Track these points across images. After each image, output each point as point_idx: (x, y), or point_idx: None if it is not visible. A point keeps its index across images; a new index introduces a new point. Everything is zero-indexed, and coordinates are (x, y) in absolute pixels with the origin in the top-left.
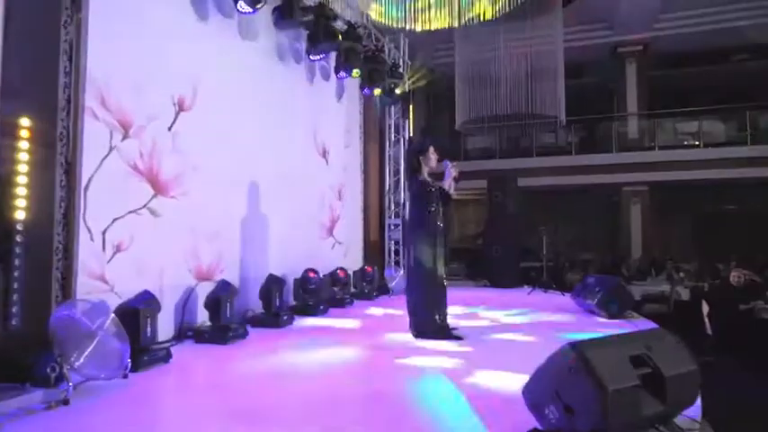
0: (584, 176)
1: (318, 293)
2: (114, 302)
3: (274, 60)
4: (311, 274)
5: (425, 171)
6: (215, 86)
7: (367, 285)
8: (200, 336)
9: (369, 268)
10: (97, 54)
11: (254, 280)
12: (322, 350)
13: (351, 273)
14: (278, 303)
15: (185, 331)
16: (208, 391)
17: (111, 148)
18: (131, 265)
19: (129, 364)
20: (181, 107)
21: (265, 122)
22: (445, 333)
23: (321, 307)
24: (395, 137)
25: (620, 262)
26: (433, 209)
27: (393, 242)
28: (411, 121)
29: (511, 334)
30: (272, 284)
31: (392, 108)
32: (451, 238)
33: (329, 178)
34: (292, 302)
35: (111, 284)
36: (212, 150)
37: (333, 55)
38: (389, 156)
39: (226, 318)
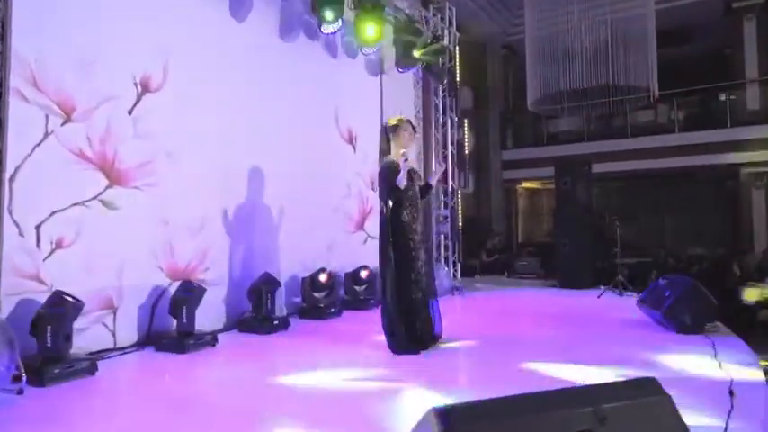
0: (691, 158)
1: (330, 294)
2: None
3: (276, 36)
4: (321, 274)
5: (397, 152)
6: (195, 65)
7: None
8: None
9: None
10: (27, 28)
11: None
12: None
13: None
14: (269, 306)
15: (155, 337)
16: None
17: (46, 134)
18: (78, 263)
19: (22, 377)
20: (146, 88)
21: (267, 106)
22: (422, 344)
23: (332, 310)
24: (441, 119)
25: (732, 258)
26: (405, 218)
27: (443, 236)
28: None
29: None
30: (263, 285)
31: (439, 86)
32: (525, 231)
33: (357, 166)
34: (301, 304)
35: (50, 284)
36: (194, 136)
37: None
38: (436, 140)
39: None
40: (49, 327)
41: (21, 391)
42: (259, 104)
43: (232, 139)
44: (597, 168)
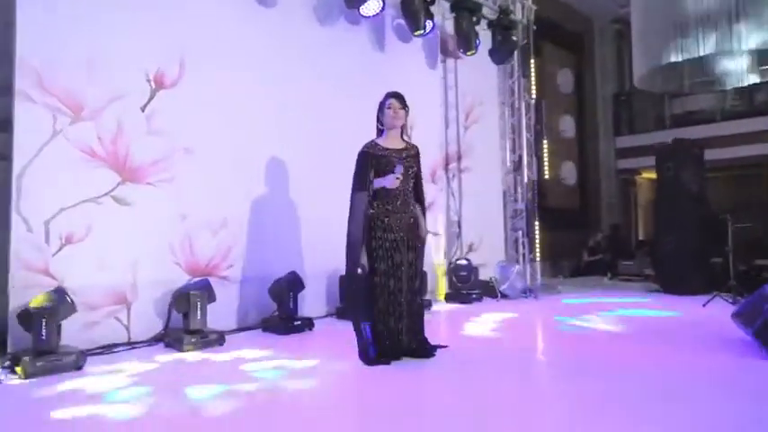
0: None
1: None
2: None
3: (311, 23)
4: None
5: (388, 133)
6: (215, 57)
7: (462, 285)
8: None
9: (463, 262)
10: (33, 30)
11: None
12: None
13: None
14: (291, 305)
15: (171, 332)
16: None
17: (54, 133)
18: (89, 259)
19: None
20: (160, 84)
21: (300, 98)
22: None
23: None
24: (517, 103)
25: None
26: (373, 210)
27: (520, 232)
28: (534, 79)
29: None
30: (285, 284)
31: (512, 67)
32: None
33: None
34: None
35: (60, 278)
36: (215, 131)
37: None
38: (511, 126)
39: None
40: (42, 321)
41: None
42: (292, 97)
43: (263, 133)
44: (724, 153)
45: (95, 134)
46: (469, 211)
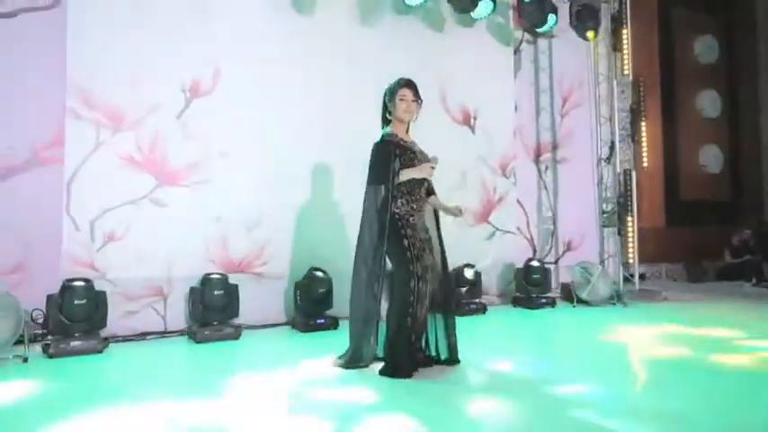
0: None
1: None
2: (107, 288)
3: (354, 17)
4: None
5: (397, 125)
6: (246, 65)
7: (532, 288)
8: None
9: (535, 263)
10: (79, 56)
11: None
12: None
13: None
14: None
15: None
16: None
17: (98, 144)
18: (129, 254)
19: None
20: (194, 93)
21: (347, 96)
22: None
23: None
24: (607, 86)
25: None
26: (399, 209)
27: (610, 231)
28: (627, 57)
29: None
30: (309, 281)
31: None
32: None
33: (478, 149)
34: None
35: (103, 272)
36: (248, 134)
37: None
38: (598, 113)
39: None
40: (60, 307)
41: (26, 360)
42: (337, 96)
43: (295, 135)
44: None
45: (135, 142)
46: (568, 207)
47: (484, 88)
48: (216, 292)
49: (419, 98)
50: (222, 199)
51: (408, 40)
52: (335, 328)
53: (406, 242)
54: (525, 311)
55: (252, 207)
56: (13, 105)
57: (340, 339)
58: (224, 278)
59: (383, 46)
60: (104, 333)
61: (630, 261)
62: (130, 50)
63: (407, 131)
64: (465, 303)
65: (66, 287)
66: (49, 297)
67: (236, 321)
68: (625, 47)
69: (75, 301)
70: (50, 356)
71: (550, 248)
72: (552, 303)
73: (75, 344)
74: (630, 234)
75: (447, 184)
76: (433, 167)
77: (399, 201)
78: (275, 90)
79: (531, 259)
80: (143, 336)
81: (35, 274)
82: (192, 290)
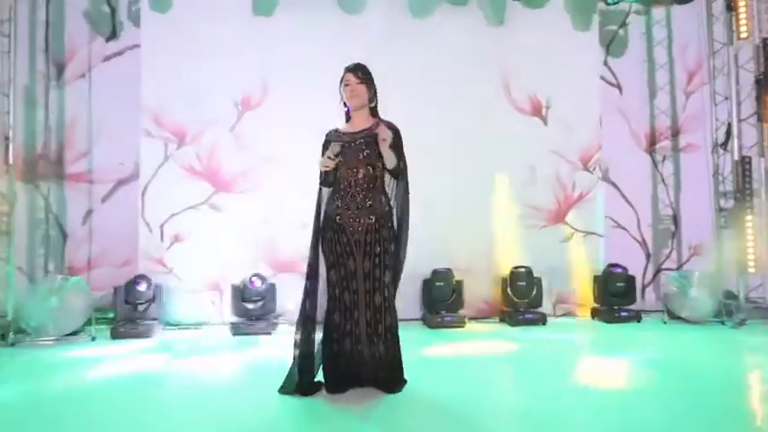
0: None
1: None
2: (174, 282)
3: (404, 11)
4: (442, 274)
5: (353, 117)
6: (292, 76)
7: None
8: None
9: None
10: (151, 85)
11: None
12: None
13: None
14: None
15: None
16: None
17: (166, 158)
18: (191, 253)
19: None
20: (246, 107)
21: (398, 93)
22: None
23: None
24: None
25: None
26: (330, 208)
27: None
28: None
29: None
30: None
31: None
32: None
33: (552, 142)
34: None
35: (170, 267)
36: (295, 142)
37: None
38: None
39: None
40: (125, 297)
41: (94, 338)
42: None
43: None
44: None
45: (195, 155)
46: (689, 203)
47: (558, 73)
48: (254, 290)
49: (366, 80)
50: (270, 203)
51: (463, 31)
52: None
53: (323, 247)
54: (601, 325)
55: (298, 210)
56: (110, 130)
57: None
58: (263, 278)
59: (437, 39)
60: (162, 321)
61: (751, 270)
62: (191, 76)
63: (372, 115)
64: (521, 313)
65: (129, 281)
66: (116, 289)
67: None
68: (742, 3)
69: (137, 292)
70: (113, 338)
71: (670, 252)
72: (637, 317)
73: (134, 329)
74: (751, 236)
75: (513, 181)
76: (329, 158)
77: (331, 198)
78: (320, 97)
79: (612, 265)
80: (199, 325)
81: (120, 267)
82: (234, 288)
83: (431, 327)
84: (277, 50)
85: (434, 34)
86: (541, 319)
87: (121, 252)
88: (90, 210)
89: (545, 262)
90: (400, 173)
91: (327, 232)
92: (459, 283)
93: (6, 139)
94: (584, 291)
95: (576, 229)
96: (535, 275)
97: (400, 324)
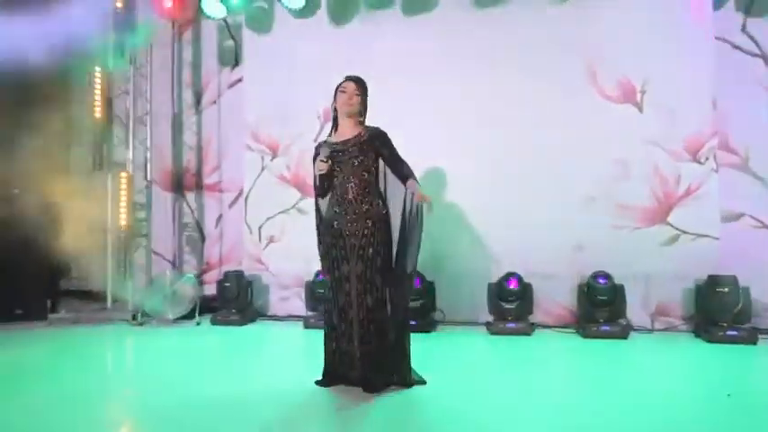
0: None
1: (521, 304)
2: (269, 279)
3: (467, 7)
4: (511, 280)
5: (340, 126)
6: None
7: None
8: None
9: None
10: (251, 108)
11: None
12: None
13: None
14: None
15: None
16: None
17: (262, 168)
18: (282, 252)
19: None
20: (327, 118)
21: (465, 89)
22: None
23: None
24: None
25: None
26: (328, 213)
27: None
28: None
29: None
30: None
31: None
32: None
33: (650, 130)
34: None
35: (266, 265)
36: None
37: None
38: None
39: None
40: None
41: (198, 323)
42: (459, 93)
43: (419, 144)
44: None
45: (285, 164)
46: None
47: (657, 52)
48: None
49: (363, 94)
50: None
51: (535, 16)
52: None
53: (322, 250)
54: (702, 345)
55: None
56: (232, 146)
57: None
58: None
59: (506, 30)
60: (254, 312)
61: None
62: (282, 96)
63: (360, 124)
64: (597, 324)
65: (223, 278)
66: (218, 282)
67: None
68: None
69: (228, 287)
70: (214, 324)
71: None
72: (751, 338)
73: (233, 317)
74: None
75: (599, 175)
76: (323, 161)
77: (330, 205)
78: (392, 101)
79: (712, 277)
80: (289, 317)
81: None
82: (306, 283)
83: (493, 333)
84: (352, 60)
85: (504, 25)
86: (621, 333)
87: (241, 251)
88: (221, 215)
89: (640, 268)
90: (410, 174)
91: (326, 237)
92: (529, 287)
93: (146, 159)
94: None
95: (682, 231)
96: (618, 282)
97: (463, 328)
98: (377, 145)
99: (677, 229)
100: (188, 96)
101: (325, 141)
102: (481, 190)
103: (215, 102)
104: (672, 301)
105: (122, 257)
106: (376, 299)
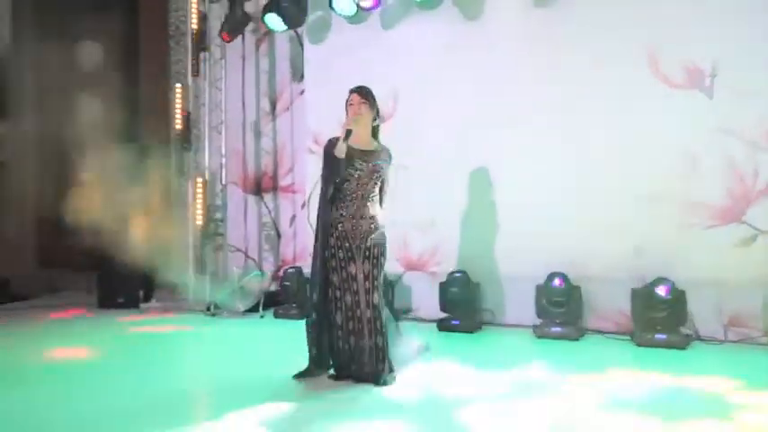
0: None
1: (569, 307)
2: None
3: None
4: (557, 280)
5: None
6: (421, 88)
7: None
8: None
9: None
10: (312, 111)
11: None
12: None
13: None
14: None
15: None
16: None
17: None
18: None
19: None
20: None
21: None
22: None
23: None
24: None
25: None
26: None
27: None
28: None
29: None
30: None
31: None
32: None
33: (720, 117)
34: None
35: None
36: (426, 148)
37: None
38: None
39: None
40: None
41: (262, 316)
42: (509, 84)
43: (465, 146)
44: None
45: None
46: None
47: (729, 31)
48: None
49: (370, 100)
50: (399, 205)
51: (592, 4)
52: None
53: (326, 252)
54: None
55: (425, 212)
56: (302, 150)
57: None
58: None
59: (562, 26)
60: None
61: None
62: (340, 100)
63: (373, 136)
64: (652, 332)
65: (283, 275)
66: (280, 278)
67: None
68: None
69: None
70: (276, 317)
71: None
72: None
73: (293, 311)
74: None
75: (662, 170)
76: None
77: (333, 208)
78: (444, 106)
79: None
80: None
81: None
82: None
83: (538, 336)
84: (403, 62)
85: (560, 23)
86: (679, 342)
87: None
88: (294, 215)
89: (711, 272)
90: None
91: (329, 239)
92: (577, 289)
93: (221, 166)
94: None
95: (761, 231)
96: (681, 288)
97: (510, 330)
98: (387, 166)
99: (754, 228)
100: (265, 104)
101: (337, 138)
102: (536, 187)
103: (287, 108)
104: (748, 310)
105: (199, 255)
106: (380, 295)
